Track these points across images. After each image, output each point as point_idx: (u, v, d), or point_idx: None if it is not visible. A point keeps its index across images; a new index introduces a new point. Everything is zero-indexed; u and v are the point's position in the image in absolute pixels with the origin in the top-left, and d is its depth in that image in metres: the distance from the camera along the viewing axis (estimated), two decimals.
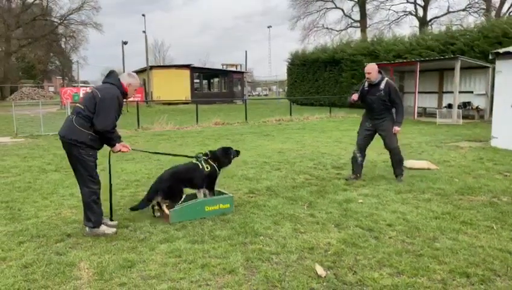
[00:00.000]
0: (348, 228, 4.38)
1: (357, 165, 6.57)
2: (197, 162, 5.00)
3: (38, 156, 9.37)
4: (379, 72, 6.26)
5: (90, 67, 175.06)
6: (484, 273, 3.27)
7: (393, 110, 6.35)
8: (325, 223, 4.55)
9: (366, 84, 6.32)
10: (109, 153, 4.49)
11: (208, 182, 5.01)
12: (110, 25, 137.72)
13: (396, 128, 6.28)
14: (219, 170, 5.12)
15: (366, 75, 6.22)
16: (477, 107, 18.55)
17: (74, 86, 45.31)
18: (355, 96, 6.35)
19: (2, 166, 8.11)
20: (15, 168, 7.85)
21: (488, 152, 9.07)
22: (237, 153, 5.40)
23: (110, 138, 4.26)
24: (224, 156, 5.18)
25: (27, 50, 57.27)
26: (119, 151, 4.42)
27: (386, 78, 6.26)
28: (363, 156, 6.56)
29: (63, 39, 60.35)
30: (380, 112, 6.28)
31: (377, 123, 6.36)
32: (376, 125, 6.37)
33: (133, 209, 4.78)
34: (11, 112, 16.27)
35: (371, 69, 6.20)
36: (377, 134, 6.48)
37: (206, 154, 5.12)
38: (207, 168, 4.95)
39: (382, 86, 6.19)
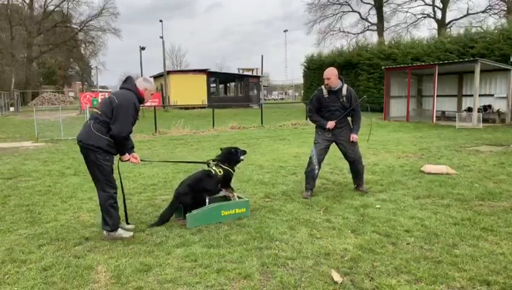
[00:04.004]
0: (364, 233, 4.33)
1: (313, 180, 5.95)
2: (209, 168, 5.02)
3: (58, 160, 9.55)
4: (339, 77, 5.81)
5: (109, 72, 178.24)
6: (505, 281, 3.19)
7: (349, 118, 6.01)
8: (342, 228, 4.51)
9: (325, 91, 5.82)
10: (118, 161, 4.48)
11: (223, 182, 5.04)
12: (132, 31, 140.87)
13: (354, 136, 5.88)
14: (233, 170, 5.15)
15: (325, 81, 5.74)
16: (498, 111, 18.18)
17: (93, 91, 46.10)
18: (331, 124, 5.81)
19: (23, 170, 8.29)
20: (35, 172, 8.02)
21: (510, 157, 8.86)
22: (243, 152, 5.36)
23: (123, 144, 4.30)
24: (230, 156, 5.19)
25: (48, 56, 58.77)
26: (128, 160, 4.46)
27: (345, 84, 5.89)
28: (320, 168, 6.06)
29: (83, 45, 61.69)
30: (341, 121, 5.86)
31: (337, 133, 5.91)
32: (336, 135, 5.93)
33: (155, 224, 4.65)
34: (33, 116, 16.64)
35: (331, 74, 5.70)
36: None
37: (215, 160, 5.15)
38: (220, 172, 4.97)
39: (344, 92, 5.79)
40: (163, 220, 4.69)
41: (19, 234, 4.49)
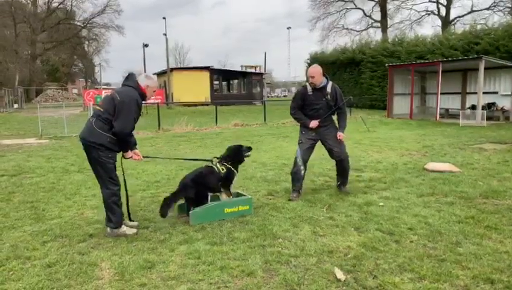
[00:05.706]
0: (368, 231, 4.32)
1: (299, 181, 5.78)
2: (212, 165, 5.02)
3: (61, 157, 9.59)
4: (323, 75, 5.67)
5: (112, 69, 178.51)
6: (509, 280, 3.18)
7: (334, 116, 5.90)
8: (345, 226, 4.50)
9: (310, 89, 5.69)
10: (121, 158, 4.50)
11: (225, 182, 5.01)
12: (135, 28, 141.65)
13: (341, 134, 5.74)
14: (236, 170, 5.13)
15: (310, 80, 5.62)
16: (502, 108, 18.09)
17: (97, 88, 46.17)
18: (314, 124, 5.67)
19: (28, 166, 8.32)
20: (39, 169, 8.05)
21: None
22: (249, 149, 5.33)
23: (126, 141, 4.30)
24: (235, 155, 5.16)
25: (51, 53, 58.99)
26: (131, 158, 4.47)
27: (331, 82, 5.76)
28: (306, 168, 5.87)
29: (86, 42, 61.88)
30: (325, 119, 5.73)
31: (321, 131, 5.75)
32: (321, 134, 5.77)
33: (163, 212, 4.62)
34: (36, 113, 16.70)
35: (315, 72, 5.57)
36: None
37: (218, 158, 5.14)
38: (222, 170, 4.96)
39: (329, 89, 5.65)
40: (167, 205, 4.60)
41: (24, 230, 4.52)
